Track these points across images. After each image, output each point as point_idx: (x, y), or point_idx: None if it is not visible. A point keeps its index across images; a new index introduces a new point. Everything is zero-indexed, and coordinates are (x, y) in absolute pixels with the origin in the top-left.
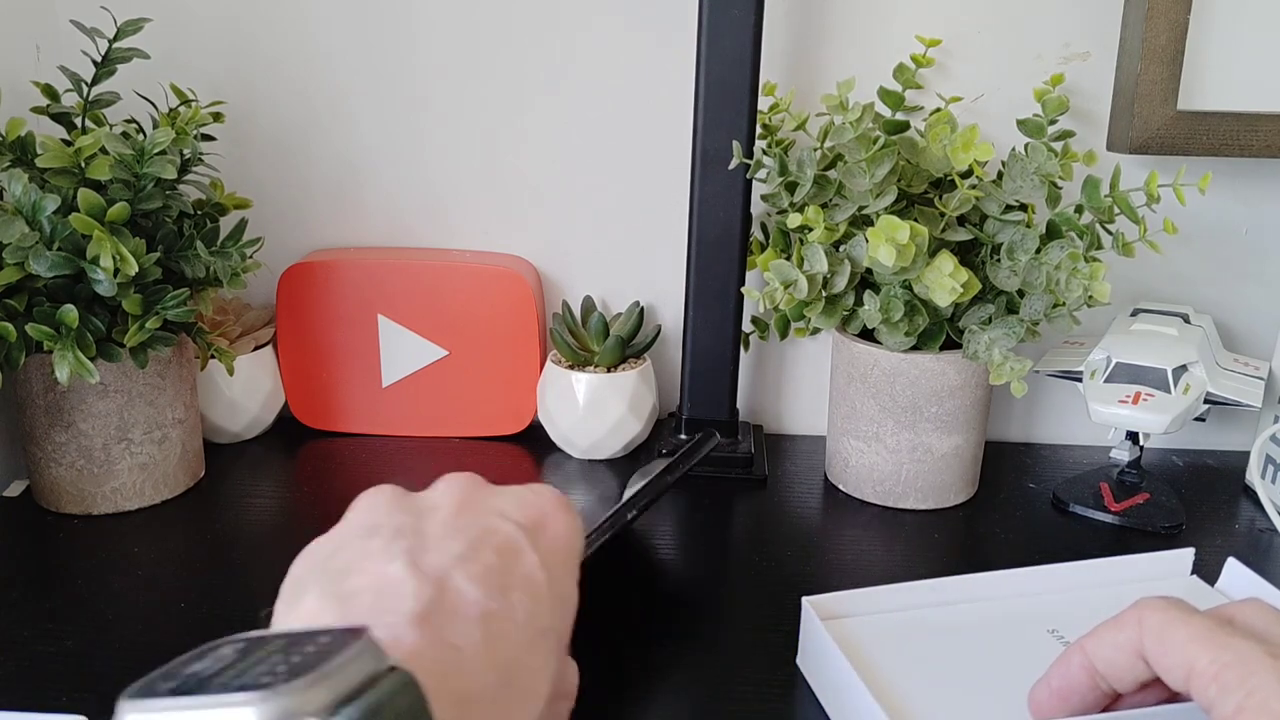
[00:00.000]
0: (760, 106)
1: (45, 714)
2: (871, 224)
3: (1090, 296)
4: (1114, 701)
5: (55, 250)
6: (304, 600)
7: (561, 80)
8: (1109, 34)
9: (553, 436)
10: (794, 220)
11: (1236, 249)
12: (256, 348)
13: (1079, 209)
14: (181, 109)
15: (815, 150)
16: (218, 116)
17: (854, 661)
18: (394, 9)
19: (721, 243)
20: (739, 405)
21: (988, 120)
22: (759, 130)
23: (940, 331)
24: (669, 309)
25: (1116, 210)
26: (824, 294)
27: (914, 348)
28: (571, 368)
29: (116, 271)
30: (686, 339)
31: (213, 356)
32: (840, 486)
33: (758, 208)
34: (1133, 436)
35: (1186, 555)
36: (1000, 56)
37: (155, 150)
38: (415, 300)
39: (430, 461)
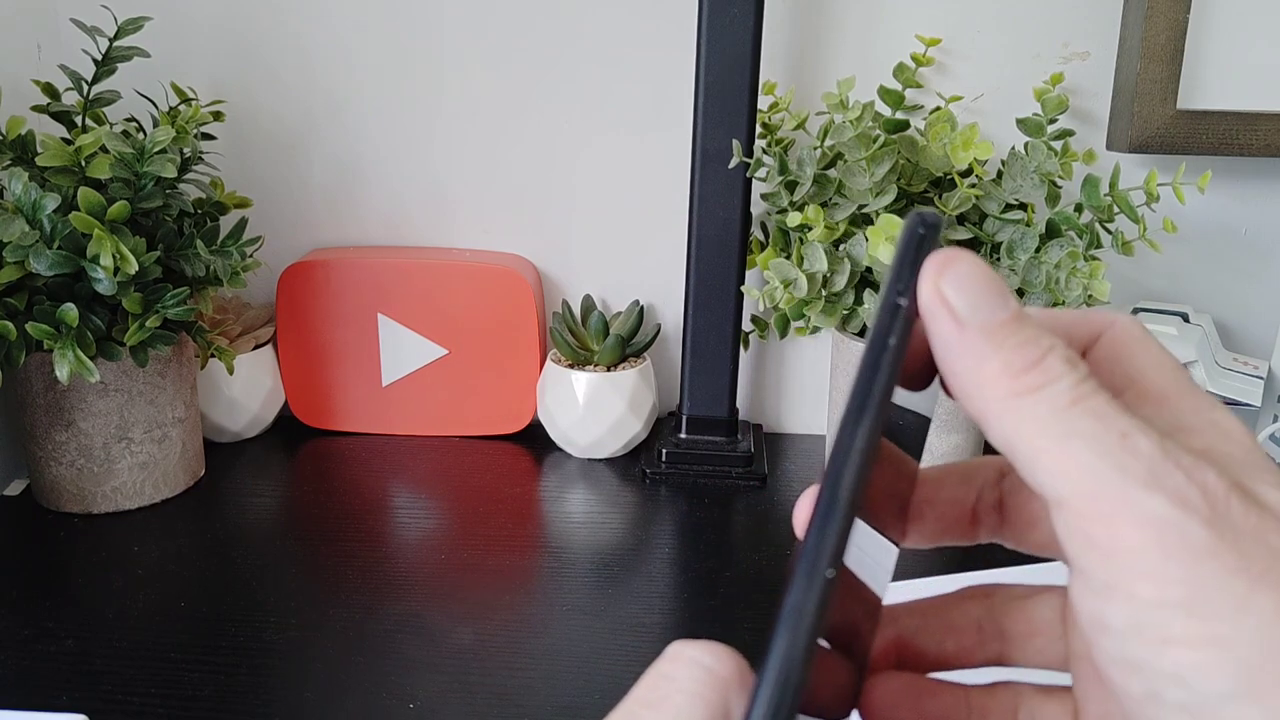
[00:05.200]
0: (760, 105)
1: (45, 713)
2: (871, 222)
3: (1090, 295)
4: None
5: (55, 249)
6: None
7: (561, 79)
8: (1108, 33)
9: (552, 435)
10: (794, 219)
11: (1236, 248)
12: (256, 347)
13: (1078, 208)
14: (182, 108)
15: (815, 149)
16: (218, 115)
17: None
18: (394, 9)
19: (721, 241)
20: (739, 404)
21: (987, 119)
22: (759, 129)
23: None
24: (669, 308)
25: (1116, 209)
26: (824, 293)
27: None
28: (571, 367)
29: (116, 270)
30: (686, 338)
31: (213, 355)
32: None
33: (757, 207)
34: None
35: None
36: (1000, 55)
37: (155, 149)
38: (415, 299)
39: (430, 460)
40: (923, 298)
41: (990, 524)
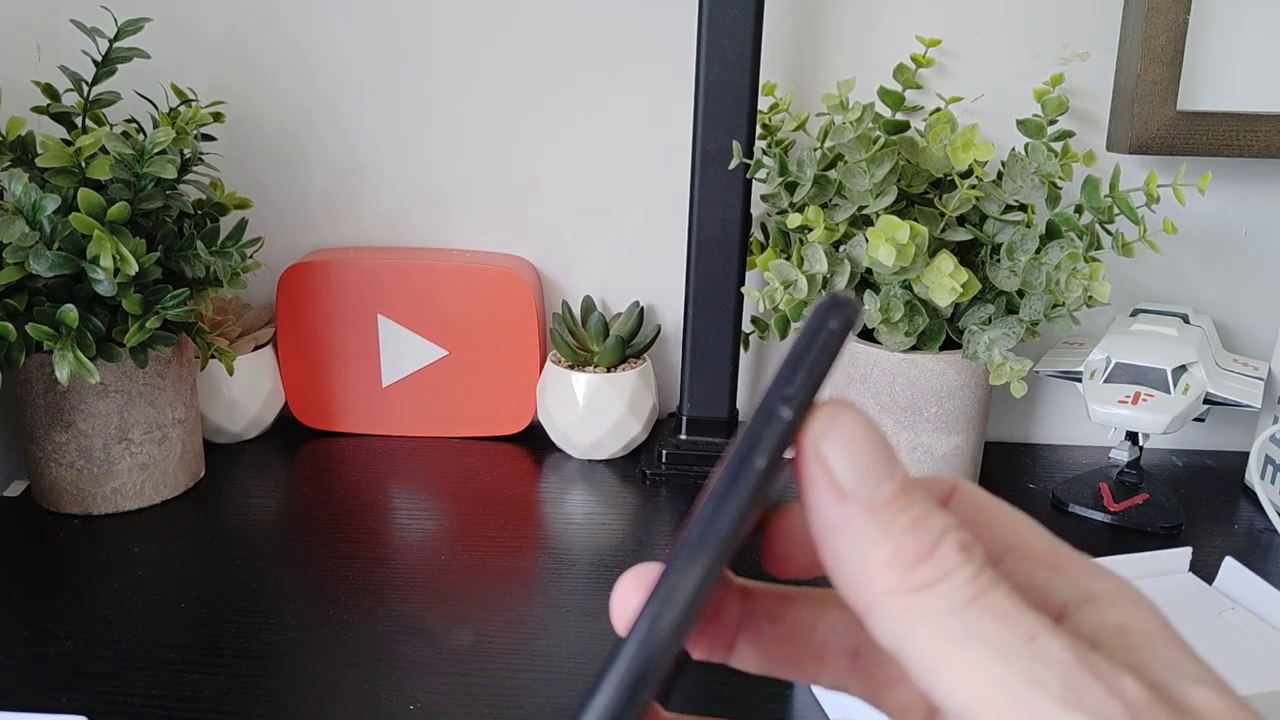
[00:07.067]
0: (760, 106)
1: (45, 714)
2: (871, 224)
3: (1090, 296)
4: None
5: (55, 250)
6: None
7: (562, 80)
8: (1109, 34)
9: (552, 436)
10: (794, 220)
11: (1236, 249)
12: (256, 348)
13: (1079, 209)
14: (182, 109)
15: (815, 150)
16: (218, 116)
17: None
18: (394, 9)
19: (721, 243)
20: (739, 405)
21: (987, 120)
22: (759, 130)
23: (940, 331)
24: (669, 309)
25: (1116, 210)
26: (824, 294)
27: (914, 348)
28: (571, 368)
29: (116, 271)
30: (686, 339)
31: (213, 356)
32: None
33: (758, 208)
34: (1132, 437)
35: (1184, 554)
36: (1000, 56)
37: (155, 150)
38: (415, 300)
39: (430, 461)
40: (800, 458)
41: (836, 668)
